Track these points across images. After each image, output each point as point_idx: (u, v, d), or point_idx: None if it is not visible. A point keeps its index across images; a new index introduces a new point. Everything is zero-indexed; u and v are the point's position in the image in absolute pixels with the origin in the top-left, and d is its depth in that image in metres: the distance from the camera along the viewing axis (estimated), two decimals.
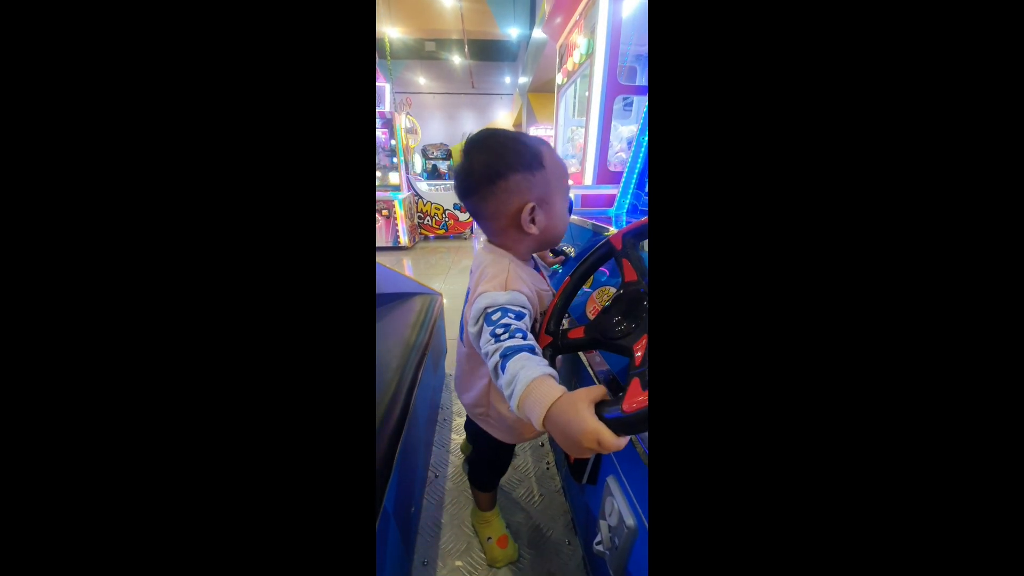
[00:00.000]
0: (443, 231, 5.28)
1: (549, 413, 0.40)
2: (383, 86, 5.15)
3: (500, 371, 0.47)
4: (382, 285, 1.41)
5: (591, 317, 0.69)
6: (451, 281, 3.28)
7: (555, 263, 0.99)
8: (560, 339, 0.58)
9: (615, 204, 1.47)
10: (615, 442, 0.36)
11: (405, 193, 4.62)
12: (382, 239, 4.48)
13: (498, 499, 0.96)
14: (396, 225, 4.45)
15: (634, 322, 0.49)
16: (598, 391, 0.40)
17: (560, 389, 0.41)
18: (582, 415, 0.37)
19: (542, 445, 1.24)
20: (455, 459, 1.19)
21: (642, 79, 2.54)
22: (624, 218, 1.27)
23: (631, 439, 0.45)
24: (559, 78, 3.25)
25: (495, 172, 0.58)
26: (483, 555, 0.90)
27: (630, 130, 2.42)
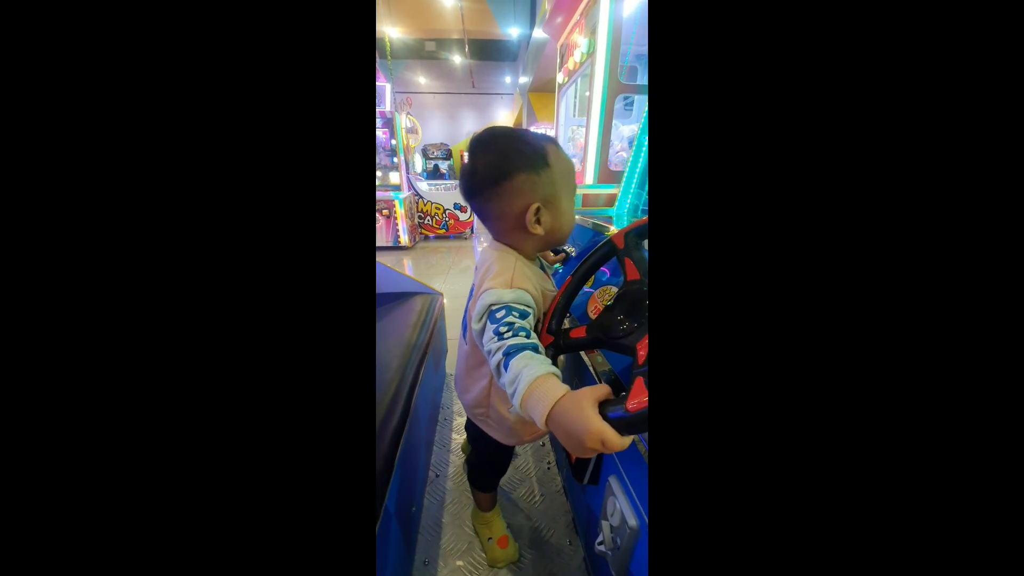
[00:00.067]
0: (443, 231, 5.28)
1: (552, 412, 0.40)
2: (383, 86, 5.14)
3: (503, 369, 0.46)
4: (383, 284, 1.40)
5: (593, 316, 0.69)
6: (451, 281, 3.28)
7: (556, 262, 0.99)
8: (562, 339, 0.58)
9: (616, 203, 1.47)
10: (619, 442, 0.36)
11: (405, 193, 4.62)
12: (382, 239, 4.48)
13: (499, 499, 0.96)
14: (396, 225, 4.45)
15: (636, 321, 0.49)
16: (602, 390, 0.39)
17: (563, 388, 0.41)
18: (586, 414, 0.37)
19: (543, 445, 1.24)
20: (456, 459, 1.18)
21: (643, 78, 2.54)
22: (625, 217, 1.27)
23: (634, 439, 0.44)
24: (560, 77, 3.25)
25: (499, 173, 0.57)
26: (484, 555, 0.90)
27: (631, 129, 2.42)
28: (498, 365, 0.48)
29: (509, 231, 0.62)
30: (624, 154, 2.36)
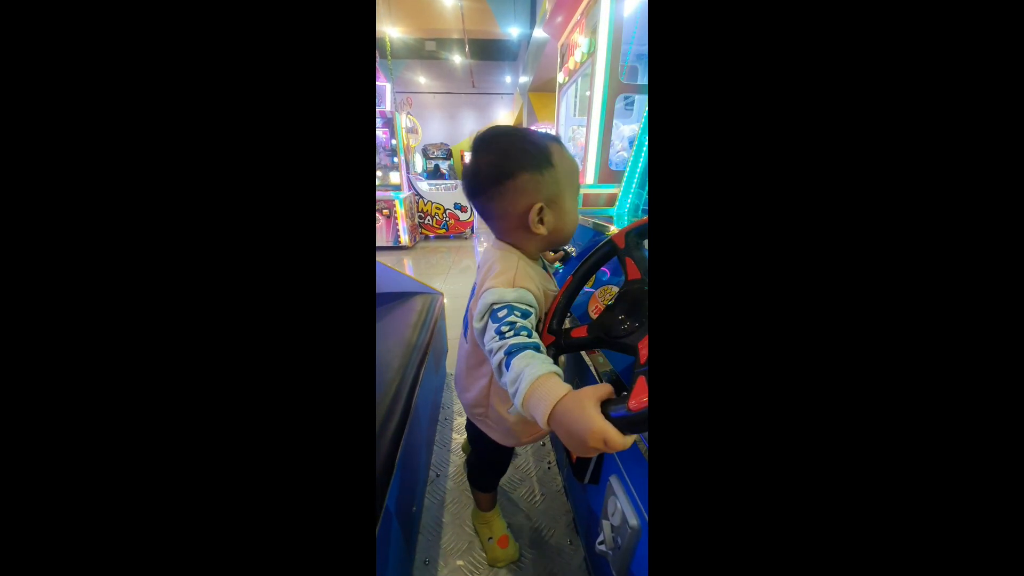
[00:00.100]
0: (444, 231, 5.28)
1: (554, 411, 0.40)
2: (384, 85, 5.14)
3: (504, 368, 0.46)
4: (383, 284, 1.40)
5: (593, 316, 0.69)
6: (452, 281, 3.28)
7: (555, 260, 0.99)
8: (563, 338, 0.58)
9: (616, 203, 1.47)
10: (621, 441, 0.36)
11: (406, 192, 4.62)
12: (383, 238, 4.48)
13: (499, 499, 0.96)
14: (397, 224, 4.46)
15: (638, 320, 0.49)
16: (604, 389, 0.39)
17: (565, 387, 0.41)
18: (588, 413, 0.37)
19: (543, 445, 1.24)
20: (456, 458, 1.18)
21: (643, 78, 2.54)
22: (626, 217, 1.27)
23: (635, 438, 0.44)
24: (560, 77, 3.24)
25: (502, 171, 0.57)
26: (484, 555, 0.90)
27: (631, 129, 2.42)
28: (499, 364, 0.47)
29: (512, 230, 0.62)
30: (625, 154, 2.36)
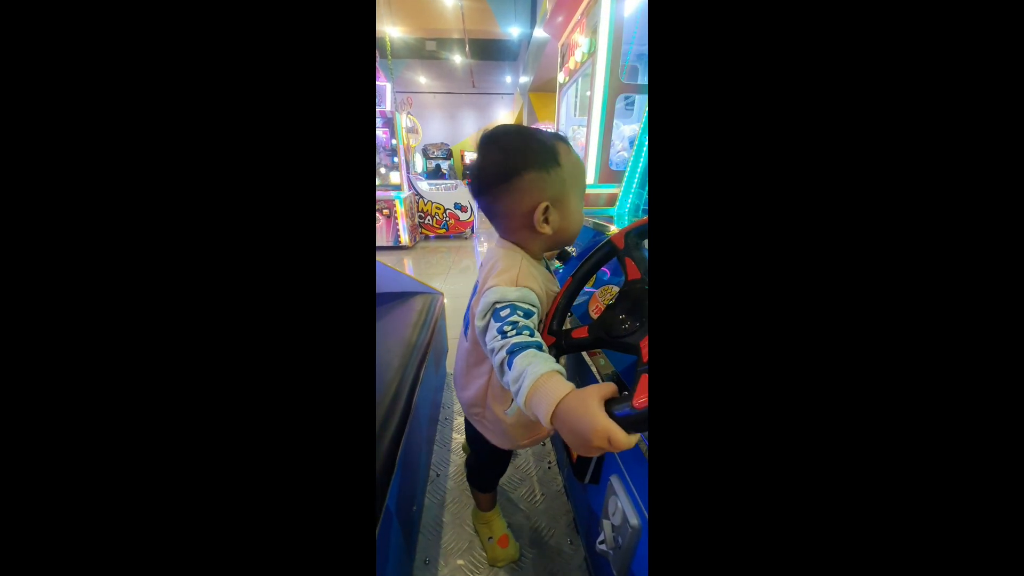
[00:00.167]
0: (444, 231, 5.28)
1: (557, 410, 0.39)
2: (384, 85, 5.14)
3: (506, 368, 0.46)
4: (383, 284, 1.40)
5: (594, 316, 0.69)
6: (452, 280, 3.28)
7: (551, 256, 0.99)
8: (563, 339, 0.58)
9: (617, 203, 1.47)
10: (626, 440, 0.35)
11: (406, 192, 4.62)
12: (383, 238, 4.48)
13: (499, 499, 0.96)
14: (397, 224, 4.45)
15: (639, 319, 0.49)
16: (608, 388, 0.39)
17: (569, 386, 0.41)
18: (592, 412, 0.36)
19: (543, 445, 1.24)
20: (456, 458, 1.18)
21: (644, 78, 2.54)
22: (626, 217, 1.27)
23: (639, 437, 0.44)
24: (561, 77, 3.25)
25: (508, 170, 0.57)
26: (484, 554, 0.90)
27: (632, 129, 2.42)
28: (501, 363, 0.47)
29: (516, 229, 0.62)
30: (625, 154, 2.36)
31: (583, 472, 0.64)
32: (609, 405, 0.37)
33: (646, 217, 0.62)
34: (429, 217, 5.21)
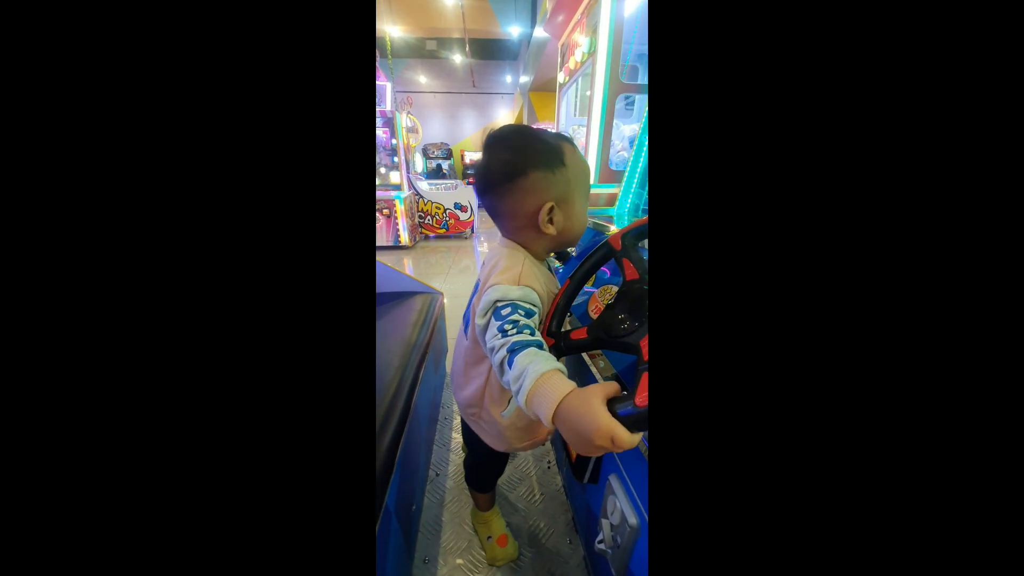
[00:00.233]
0: (444, 230, 5.28)
1: (559, 409, 0.39)
2: (384, 85, 5.14)
3: (507, 366, 0.45)
4: (383, 284, 1.41)
5: (594, 316, 0.69)
6: (452, 280, 3.28)
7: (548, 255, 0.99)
8: (563, 340, 0.58)
9: (617, 203, 1.47)
10: (629, 439, 0.35)
11: (406, 192, 4.62)
12: (383, 238, 4.48)
13: (498, 499, 0.96)
14: (397, 224, 4.45)
15: (639, 319, 0.49)
16: (610, 387, 0.38)
17: (571, 384, 0.40)
18: (594, 411, 0.36)
19: (542, 444, 1.24)
20: (456, 458, 1.19)
21: (644, 78, 2.54)
22: (626, 217, 1.27)
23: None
24: (561, 77, 3.24)
25: (514, 169, 0.56)
26: (483, 553, 0.90)
27: (632, 129, 2.42)
28: (501, 362, 0.47)
29: (520, 229, 0.61)
30: (625, 154, 2.36)
31: (582, 472, 0.64)
32: (611, 404, 0.37)
33: (643, 218, 0.62)
34: (429, 217, 5.21)
